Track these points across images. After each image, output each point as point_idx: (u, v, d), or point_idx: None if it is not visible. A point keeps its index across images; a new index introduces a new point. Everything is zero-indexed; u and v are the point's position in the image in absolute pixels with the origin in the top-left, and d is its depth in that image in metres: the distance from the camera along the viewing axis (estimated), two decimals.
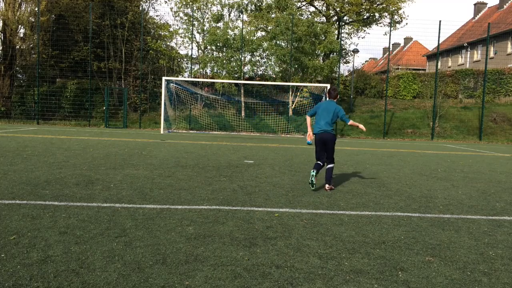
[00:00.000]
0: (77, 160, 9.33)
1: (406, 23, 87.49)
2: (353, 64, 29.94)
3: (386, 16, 31.57)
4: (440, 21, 24.39)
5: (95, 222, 4.52)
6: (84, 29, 27.54)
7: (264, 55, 26.72)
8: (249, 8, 27.41)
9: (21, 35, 28.22)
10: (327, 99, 7.27)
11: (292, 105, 26.14)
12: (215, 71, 26.39)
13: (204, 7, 27.94)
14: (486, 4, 45.57)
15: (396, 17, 30.94)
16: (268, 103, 26.38)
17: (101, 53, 27.55)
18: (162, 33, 29.51)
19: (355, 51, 30.04)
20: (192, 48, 28.57)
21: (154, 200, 5.67)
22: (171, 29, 29.00)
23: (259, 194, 6.32)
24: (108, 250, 3.67)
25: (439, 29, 24.40)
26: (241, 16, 27.21)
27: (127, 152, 11.39)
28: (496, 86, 28.77)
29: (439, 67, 26.98)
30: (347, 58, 33.27)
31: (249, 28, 27.07)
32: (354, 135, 24.44)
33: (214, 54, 26.92)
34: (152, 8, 63.58)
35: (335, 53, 27.38)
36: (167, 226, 4.46)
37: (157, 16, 49.72)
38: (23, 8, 27.75)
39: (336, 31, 30.10)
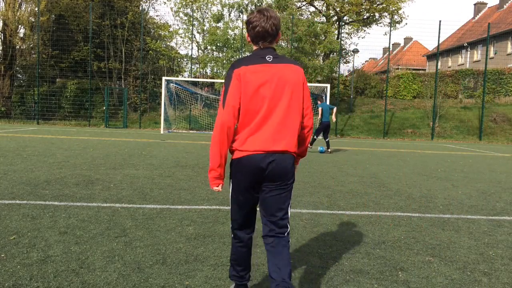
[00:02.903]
0: (77, 160, 9.33)
1: (406, 23, 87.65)
2: (353, 64, 29.96)
3: (386, 16, 31.54)
4: (440, 21, 24.41)
5: (95, 222, 4.52)
6: (84, 29, 27.54)
7: None
8: (249, 8, 27.40)
9: (21, 35, 28.22)
10: (321, 102, 13.59)
11: None
12: (215, 71, 26.39)
13: (204, 7, 27.95)
14: (486, 4, 45.56)
15: (396, 17, 30.90)
16: None
17: (101, 53, 27.55)
18: (162, 33, 29.51)
19: (355, 51, 30.02)
20: (192, 48, 28.64)
21: (154, 200, 5.67)
22: (171, 29, 29.01)
23: None
24: (108, 250, 3.67)
25: (439, 29, 24.40)
26: (241, 16, 27.21)
27: (127, 152, 11.39)
28: (496, 86, 28.76)
29: (439, 67, 26.98)
30: (347, 58, 33.24)
31: None
32: (354, 135, 24.44)
33: (214, 54, 26.92)
34: (152, 8, 63.71)
35: (335, 53, 27.38)
36: (167, 226, 4.46)
37: (157, 16, 49.80)
38: (23, 8, 27.77)
39: (336, 31, 30.08)
